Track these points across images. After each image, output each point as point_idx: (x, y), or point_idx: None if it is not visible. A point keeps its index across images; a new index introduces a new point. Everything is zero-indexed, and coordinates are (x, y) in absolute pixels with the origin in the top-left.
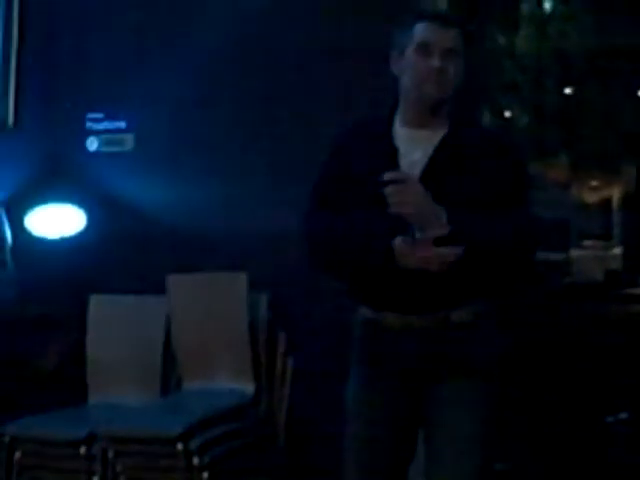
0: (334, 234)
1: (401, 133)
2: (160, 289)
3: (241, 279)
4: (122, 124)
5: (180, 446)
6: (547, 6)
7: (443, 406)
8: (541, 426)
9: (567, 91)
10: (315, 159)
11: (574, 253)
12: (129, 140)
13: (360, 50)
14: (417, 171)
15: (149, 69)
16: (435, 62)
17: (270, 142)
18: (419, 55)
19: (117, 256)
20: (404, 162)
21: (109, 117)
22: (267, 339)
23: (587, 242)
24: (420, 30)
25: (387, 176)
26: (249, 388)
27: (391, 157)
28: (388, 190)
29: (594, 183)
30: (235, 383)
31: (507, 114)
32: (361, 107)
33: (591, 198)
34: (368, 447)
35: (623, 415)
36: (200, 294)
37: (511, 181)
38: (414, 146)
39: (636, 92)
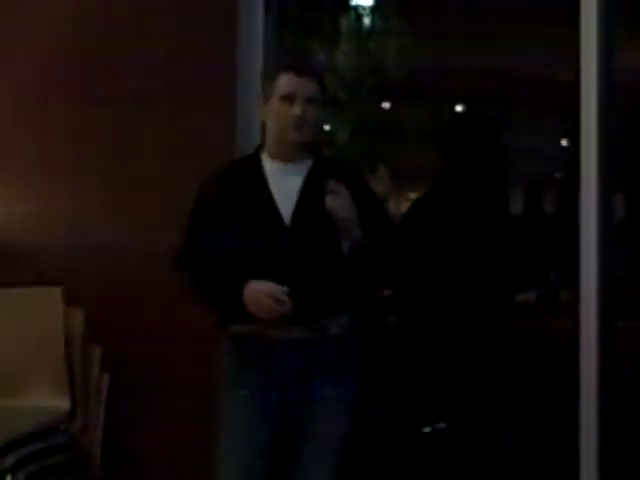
0: (204, 285)
1: (269, 166)
2: None
3: (56, 294)
4: None
5: None
6: (366, 21)
7: (318, 414)
8: None
9: (385, 105)
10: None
11: None
12: None
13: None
14: (291, 202)
15: None
16: (297, 110)
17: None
18: (282, 104)
19: None
20: (276, 193)
21: None
22: (83, 355)
23: None
24: (284, 81)
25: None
26: (64, 405)
27: (262, 188)
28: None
29: (412, 195)
30: (50, 400)
31: (327, 128)
32: None
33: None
34: (248, 459)
35: (440, 425)
36: (14, 309)
37: (370, 204)
38: (283, 178)
39: (454, 108)
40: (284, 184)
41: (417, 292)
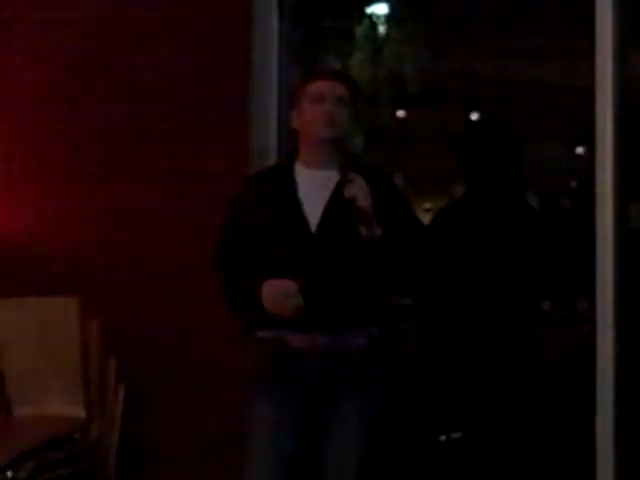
0: (231, 284)
1: (301, 174)
2: None
3: (72, 304)
4: None
5: (10, 474)
6: (382, 29)
7: (335, 424)
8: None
9: (400, 114)
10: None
11: None
12: None
13: None
14: (319, 210)
15: None
16: (327, 107)
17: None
18: (313, 104)
19: None
20: (305, 201)
21: None
22: (99, 364)
23: None
24: (314, 85)
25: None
26: (80, 414)
27: (292, 195)
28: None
29: (427, 205)
30: (66, 410)
31: None
32: None
33: (424, 220)
34: (274, 463)
35: (456, 434)
36: (31, 319)
37: (398, 208)
38: (313, 185)
39: (469, 115)
40: (314, 192)
41: (441, 301)
